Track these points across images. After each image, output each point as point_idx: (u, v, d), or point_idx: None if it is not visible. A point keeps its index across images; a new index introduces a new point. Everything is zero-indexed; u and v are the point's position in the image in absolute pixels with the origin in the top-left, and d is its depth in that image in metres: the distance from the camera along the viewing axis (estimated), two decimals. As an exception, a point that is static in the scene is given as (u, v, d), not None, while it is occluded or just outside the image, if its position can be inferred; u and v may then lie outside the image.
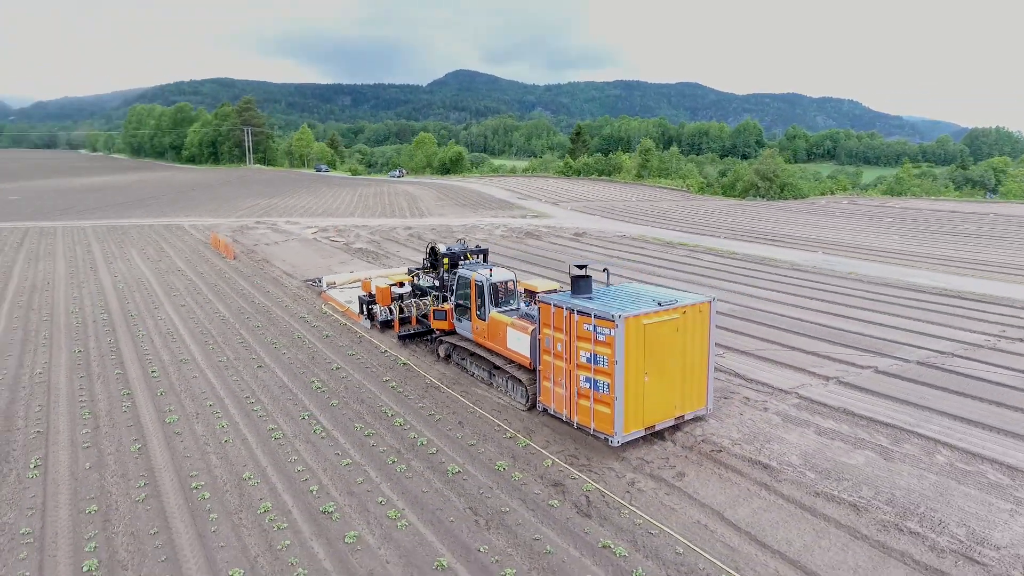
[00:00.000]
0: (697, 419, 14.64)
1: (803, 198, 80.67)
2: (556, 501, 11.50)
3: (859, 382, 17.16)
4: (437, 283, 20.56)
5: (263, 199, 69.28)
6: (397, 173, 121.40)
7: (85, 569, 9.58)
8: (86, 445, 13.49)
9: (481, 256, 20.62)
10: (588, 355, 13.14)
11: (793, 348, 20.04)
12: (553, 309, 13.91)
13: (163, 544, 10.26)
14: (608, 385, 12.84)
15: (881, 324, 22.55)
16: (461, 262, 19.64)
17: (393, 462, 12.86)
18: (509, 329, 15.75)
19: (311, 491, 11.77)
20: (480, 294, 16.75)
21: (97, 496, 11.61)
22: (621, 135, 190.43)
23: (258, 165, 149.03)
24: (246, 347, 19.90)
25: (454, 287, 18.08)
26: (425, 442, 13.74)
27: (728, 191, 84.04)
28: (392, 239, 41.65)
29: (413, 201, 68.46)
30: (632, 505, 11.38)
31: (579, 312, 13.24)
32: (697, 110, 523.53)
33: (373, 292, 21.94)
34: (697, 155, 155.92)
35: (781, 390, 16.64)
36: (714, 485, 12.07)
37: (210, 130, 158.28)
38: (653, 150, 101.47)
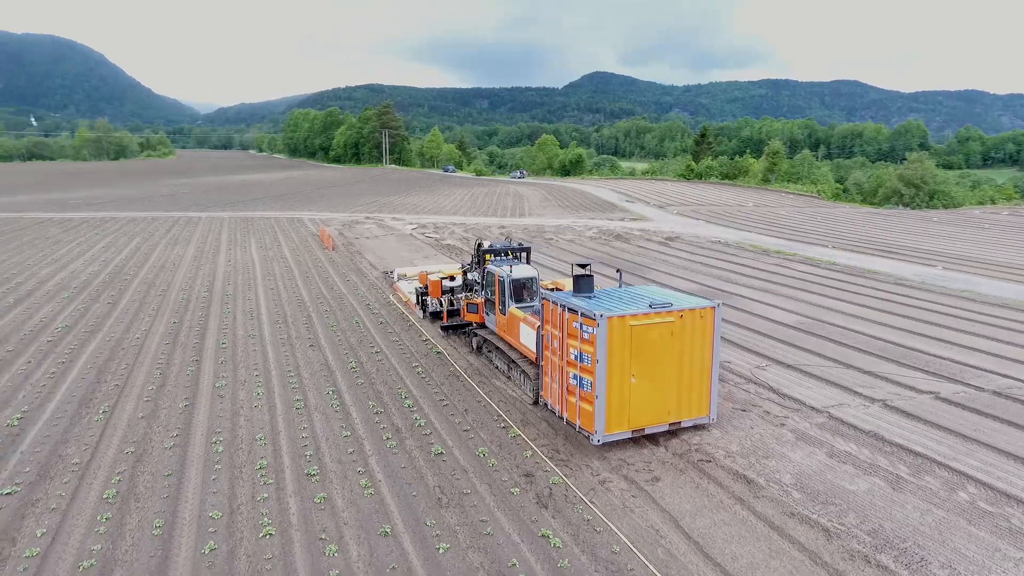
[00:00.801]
0: (698, 427, 14.22)
1: (956, 207, 72.21)
2: (519, 489, 11.82)
3: (908, 407, 15.62)
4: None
5: (383, 196, 74.13)
6: (518, 174, 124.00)
7: (105, 496, 11.44)
8: (147, 399, 15.79)
9: (524, 254, 21.10)
10: (576, 352, 13.27)
11: (850, 366, 18.54)
12: (551, 306, 14.16)
13: (172, 485, 11.93)
14: (591, 383, 12.89)
15: (968, 347, 20.15)
16: (492, 258, 20.26)
17: (387, 439, 13.81)
18: (521, 324, 16.18)
19: (306, 455, 13.02)
20: (502, 289, 17.31)
21: (139, 440, 13.65)
22: (761, 137, 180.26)
23: (393, 165, 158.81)
24: (308, 327, 21.93)
25: (483, 282, 18.77)
26: (424, 424, 14.57)
27: (868, 198, 77.18)
28: (482, 236, 43.08)
29: (519, 201, 69.95)
30: (592, 502, 11.43)
31: (570, 309, 13.40)
32: (853, 110, 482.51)
33: (428, 285, 23.17)
34: (846, 159, 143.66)
35: (812, 407, 15.59)
36: (686, 493, 11.76)
37: (353, 132, 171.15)
38: (781, 153, 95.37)
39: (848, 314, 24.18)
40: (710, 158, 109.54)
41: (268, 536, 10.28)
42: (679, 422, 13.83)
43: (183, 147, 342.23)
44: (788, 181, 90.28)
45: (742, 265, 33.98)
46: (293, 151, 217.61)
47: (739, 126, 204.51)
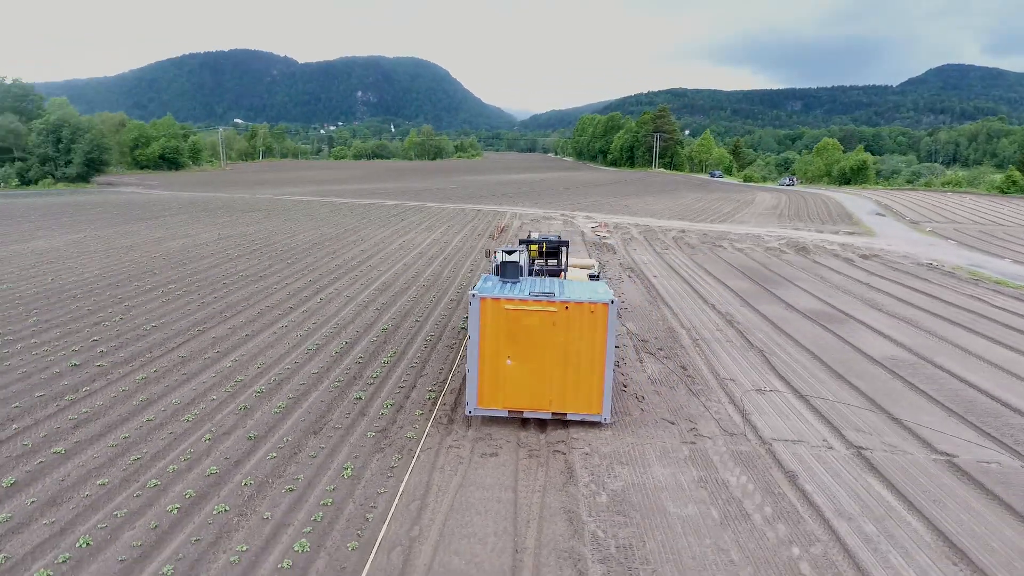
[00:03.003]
0: (592, 424, 13.99)
1: None
2: (374, 433, 13.61)
3: (884, 461, 12.82)
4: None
5: (610, 197, 76.02)
6: (787, 181, 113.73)
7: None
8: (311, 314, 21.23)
9: (564, 247, 21.81)
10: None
11: (886, 412, 15.39)
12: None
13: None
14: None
15: (1096, 419, 14.73)
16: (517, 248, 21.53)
17: (373, 379, 16.60)
18: (488, 305, 17.45)
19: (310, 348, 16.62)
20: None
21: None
22: None
23: (661, 169, 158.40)
24: (410, 297, 25.78)
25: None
26: (381, 375, 16.99)
27: None
28: (648, 239, 42.47)
29: (739, 208, 65.41)
30: (393, 455, 12.67)
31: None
32: None
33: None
34: None
35: (761, 437, 13.84)
36: (494, 473, 12.18)
37: (630, 137, 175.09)
38: None
39: (997, 365, 19.11)
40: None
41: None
42: (564, 413, 13.91)
43: (496, 150, 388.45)
44: None
45: (921, 293, 28.04)
46: (579, 154, 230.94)
47: None
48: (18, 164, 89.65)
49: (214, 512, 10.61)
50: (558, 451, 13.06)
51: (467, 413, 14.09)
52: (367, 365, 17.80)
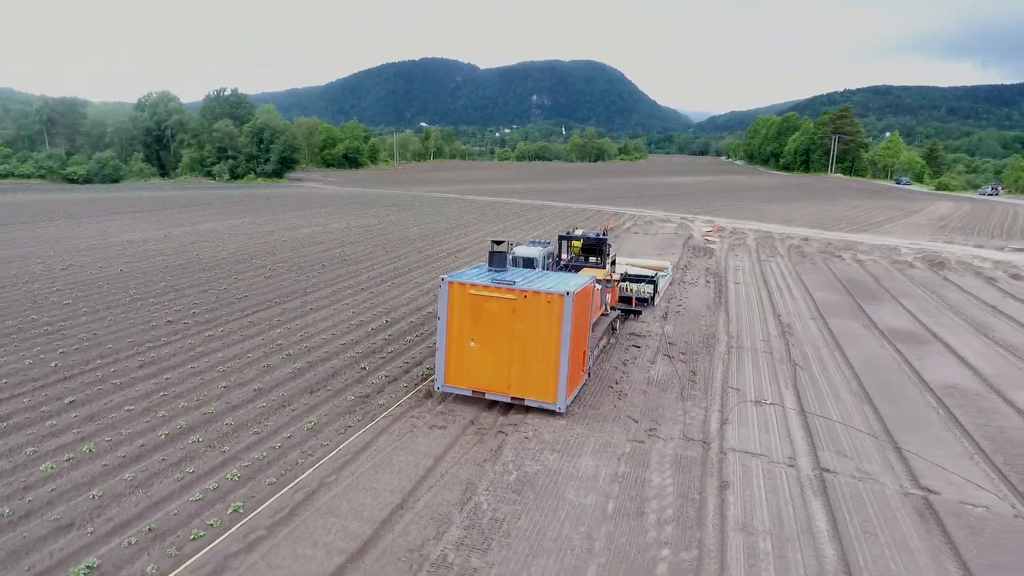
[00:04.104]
0: (550, 412, 14.30)
1: None
2: (348, 393, 15.15)
3: (862, 491, 11.73)
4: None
5: (755, 202, 71.35)
6: (989, 190, 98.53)
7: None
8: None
9: (606, 245, 21.87)
10: (450, 312, 15.37)
11: (893, 440, 13.84)
12: (471, 274, 16.31)
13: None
14: (443, 339, 14.96)
15: None
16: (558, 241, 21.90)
17: (388, 354, 18.44)
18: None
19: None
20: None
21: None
22: None
23: (838, 175, 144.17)
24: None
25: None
26: (396, 352, 18.58)
27: None
28: (759, 246, 39.68)
29: (895, 217, 57.75)
30: (357, 417, 13.98)
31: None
32: None
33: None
34: None
35: (722, 447, 13.25)
36: (424, 444, 13.07)
37: (805, 139, 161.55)
38: None
39: (1073, 398, 16.00)
40: None
41: None
42: (522, 399, 14.38)
43: (665, 152, 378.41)
44: None
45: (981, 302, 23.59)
46: (750, 157, 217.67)
47: None
48: (229, 161, 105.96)
49: (189, 442, 12.83)
50: (502, 432, 13.65)
51: (436, 389, 15.15)
52: (391, 343, 19.53)
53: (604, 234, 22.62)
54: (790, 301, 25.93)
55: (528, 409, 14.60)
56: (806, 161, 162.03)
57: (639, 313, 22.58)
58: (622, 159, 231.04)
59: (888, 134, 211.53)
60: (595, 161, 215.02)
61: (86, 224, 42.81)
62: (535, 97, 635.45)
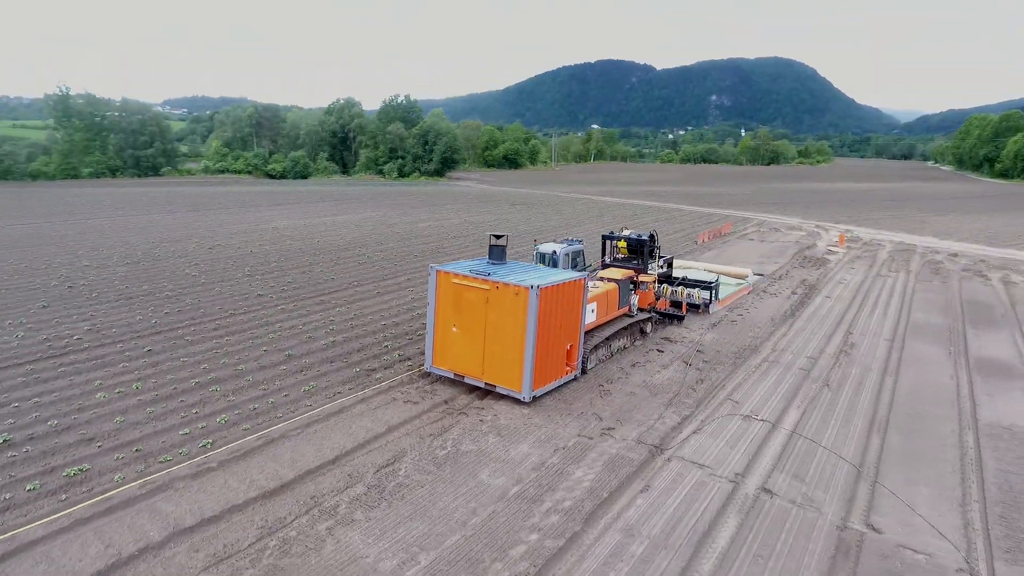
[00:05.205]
0: (519, 401, 14.78)
1: None
2: (358, 366, 16.81)
3: (788, 516, 10.98)
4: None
5: (923, 213, 62.61)
6: None
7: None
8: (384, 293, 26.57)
9: (645, 245, 21.41)
10: (448, 300, 16.45)
11: (878, 475, 12.47)
12: (476, 266, 17.25)
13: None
14: (434, 323, 16.10)
15: None
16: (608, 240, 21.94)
17: (413, 335, 20.22)
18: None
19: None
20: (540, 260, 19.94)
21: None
22: None
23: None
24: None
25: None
26: (423, 334, 20.03)
27: None
28: (890, 259, 35.18)
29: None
30: (348, 386, 15.51)
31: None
32: None
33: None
34: None
35: (676, 455, 12.91)
36: (383, 408, 14.22)
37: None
38: None
39: None
40: None
41: None
42: (494, 385, 15.03)
43: (860, 156, 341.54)
44: None
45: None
46: (959, 162, 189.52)
47: None
48: (398, 161, 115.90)
49: (209, 390, 15.35)
50: (464, 413, 14.48)
51: (425, 368, 16.34)
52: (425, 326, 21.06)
53: (651, 236, 22.13)
54: (876, 320, 23.27)
55: (501, 396, 15.25)
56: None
57: (681, 319, 21.81)
58: (800, 163, 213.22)
59: None
60: (768, 165, 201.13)
61: (252, 212, 50.11)
62: (714, 97, 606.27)
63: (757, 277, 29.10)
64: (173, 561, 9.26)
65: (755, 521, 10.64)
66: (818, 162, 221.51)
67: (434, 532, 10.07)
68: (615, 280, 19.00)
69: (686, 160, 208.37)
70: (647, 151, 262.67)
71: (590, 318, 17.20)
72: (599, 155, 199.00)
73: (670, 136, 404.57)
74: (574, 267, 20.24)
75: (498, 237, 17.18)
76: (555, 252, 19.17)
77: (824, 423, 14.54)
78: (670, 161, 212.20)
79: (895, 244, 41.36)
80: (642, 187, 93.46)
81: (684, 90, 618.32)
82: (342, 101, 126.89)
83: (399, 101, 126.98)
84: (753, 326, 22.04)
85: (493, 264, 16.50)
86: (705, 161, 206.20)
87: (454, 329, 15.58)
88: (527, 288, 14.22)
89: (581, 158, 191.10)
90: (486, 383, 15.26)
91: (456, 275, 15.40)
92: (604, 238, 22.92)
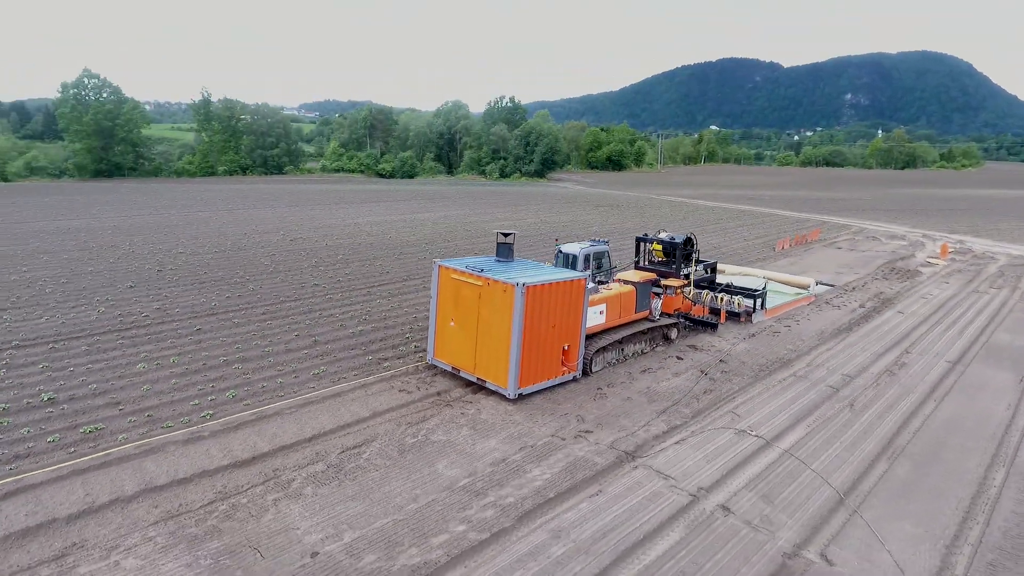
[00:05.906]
0: (504, 397, 14.86)
1: None
2: (373, 354, 17.58)
3: (734, 537, 10.41)
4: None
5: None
6: None
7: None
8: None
9: (677, 249, 20.66)
10: (454, 294, 16.83)
11: (860, 506, 11.41)
12: (486, 263, 17.51)
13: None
14: (437, 317, 16.55)
15: None
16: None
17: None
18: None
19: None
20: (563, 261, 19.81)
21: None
22: None
23: None
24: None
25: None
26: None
27: None
28: (998, 274, 31.21)
29: None
30: (354, 371, 16.24)
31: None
32: None
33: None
34: None
35: (647, 464, 12.53)
36: (376, 394, 14.76)
37: None
38: None
39: None
40: None
41: None
42: (484, 380, 15.20)
43: (1021, 160, 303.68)
44: None
45: None
46: None
47: None
48: (500, 162, 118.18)
49: (233, 368, 16.75)
50: (449, 405, 14.80)
51: (428, 361, 16.82)
52: (455, 321, 21.59)
53: (686, 239, 21.26)
54: (946, 339, 20.93)
55: (492, 392, 15.41)
56: None
57: (715, 327, 20.76)
58: (941, 167, 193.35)
59: None
60: (903, 169, 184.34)
61: (344, 208, 53.29)
62: (849, 96, 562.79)
63: (823, 288, 27.01)
64: (134, 513, 10.35)
65: (697, 538, 10.13)
66: (964, 166, 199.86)
67: (368, 513, 10.50)
68: (633, 283, 18.51)
69: (806, 163, 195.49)
70: (768, 153, 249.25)
71: (597, 320, 16.93)
72: (711, 157, 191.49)
73: (795, 138, 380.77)
74: (598, 268, 19.98)
75: (506, 235, 17.35)
76: (575, 253, 19.01)
77: (826, 445, 13.43)
78: (788, 164, 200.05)
79: (1012, 258, 36.67)
80: (750, 191, 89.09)
81: (814, 88, 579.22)
82: (450, 103, 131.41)
83: (504, 103, 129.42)
84: (796, 339, 20.59)
85: (500, 261, 16.70)
86: (828, 164, 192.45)
87: (452, 323, 15.96)
88: (511, 284, 14.31)
89: (691, 160, 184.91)
90: (477, 378, 15.50)
91: (455, 270, 15.77)
92: (638, 240, 22.34)
